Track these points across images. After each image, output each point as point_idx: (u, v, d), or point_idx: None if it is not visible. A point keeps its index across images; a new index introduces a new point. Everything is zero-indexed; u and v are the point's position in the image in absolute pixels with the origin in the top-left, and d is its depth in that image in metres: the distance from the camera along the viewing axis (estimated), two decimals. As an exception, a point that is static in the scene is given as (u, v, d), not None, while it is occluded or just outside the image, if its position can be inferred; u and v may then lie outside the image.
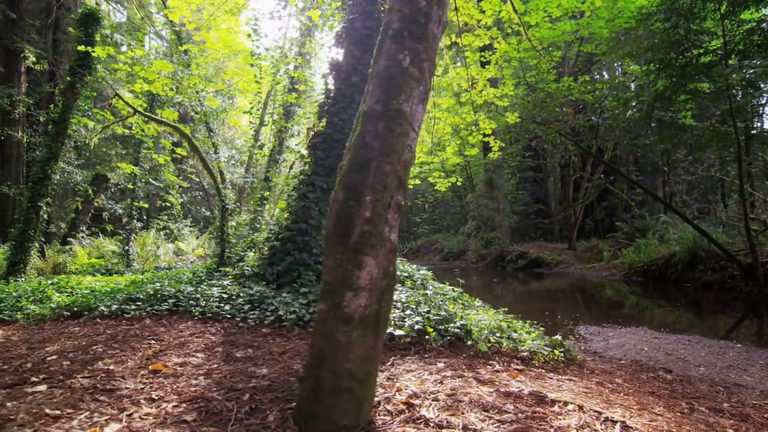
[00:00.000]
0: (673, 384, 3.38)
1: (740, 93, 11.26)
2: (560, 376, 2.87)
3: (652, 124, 12.37)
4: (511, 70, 11.11)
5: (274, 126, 11.54)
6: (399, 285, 5.17)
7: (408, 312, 3.73)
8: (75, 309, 4.42)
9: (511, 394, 2.20)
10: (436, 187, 14.50)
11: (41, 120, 12.26)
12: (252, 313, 4.23)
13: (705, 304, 7.91)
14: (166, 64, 8.37)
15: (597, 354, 4.47)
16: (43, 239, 8.23)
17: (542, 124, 12.69)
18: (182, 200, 17.54)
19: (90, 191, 11.44)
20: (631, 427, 1.87)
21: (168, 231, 15.08)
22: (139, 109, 8.05)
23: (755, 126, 13.70)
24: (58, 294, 5.22)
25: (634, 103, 11.72)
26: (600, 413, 1.99)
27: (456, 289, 5.48)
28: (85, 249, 10.36)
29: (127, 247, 10.45)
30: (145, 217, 17.15)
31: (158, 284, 5.35)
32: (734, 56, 8.18)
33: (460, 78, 9.98)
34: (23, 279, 6.74)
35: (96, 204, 12.13)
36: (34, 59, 12.02)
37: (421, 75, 2.01)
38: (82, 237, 11.20)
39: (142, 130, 8.80)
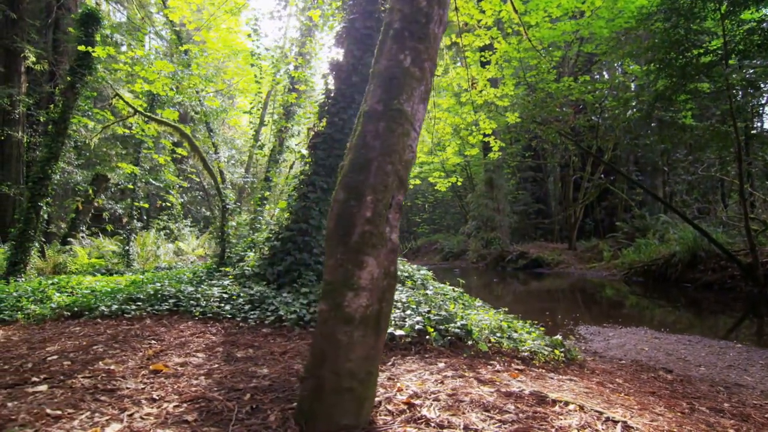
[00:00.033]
0: (673, 384, 3.38)
1: (740, 93, 11.26)
2: (561, 376, 2.87)
3: (653, 124, 12.38)
4: (512, 70, 11.11)
5: (275, 126, 11.55)
6: (399, 285, 5.17)
7: (408, 312, 3.74)
8: (75, 309, 4.42)
9: (512, 394, 2.20)
10: (436, 187, 14.50)
11: (41, 120, 12.26)
12: (252, 313, 4.23)
13: (705, 304, 7.91)
14: (167, 64, 8.37)
15: (597, 354, 4.47)
16: (43, 239, 8.23)
17: (542, 124, 12.69)
18: (182, 200, 17.54)
19: (90, 191, 11.44)
20: (633, 427, 1.87)
21: (168, 231, 15.08)
22: (140, 109, 8.05)
23: (755, 126, 13.72)
24: (58, 294, 5.22)
25: (634, 103, 11.73)
26: (601, 413, 1.99)
27: (456, 289, 5.48)
28: (86, 249, 10.36)
29: (127, 247, 10.45)
30: (145, 217, 17.14)
31: (158, 284, 5.35)
32: (734, 56, 8.19)
33: (460, 78, 9.97)
34: (23, 279, 6.74)
35: (96, 204, 12.13)
36: (34, 59, 12.02)
37: (422, 75, 2.01)
38: (82, 237, 11.20)
39: (143, 130, 8.80)
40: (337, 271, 1.83)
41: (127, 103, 7.97)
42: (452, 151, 19.59)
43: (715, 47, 8.41)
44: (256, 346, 3.25)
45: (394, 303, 3.92)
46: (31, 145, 12.42)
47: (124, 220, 11.50)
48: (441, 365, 2.76)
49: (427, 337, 3.28)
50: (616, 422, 1.90)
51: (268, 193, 11.25)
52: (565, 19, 10.59)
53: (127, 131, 9.54)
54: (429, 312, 3.72)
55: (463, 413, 1.93)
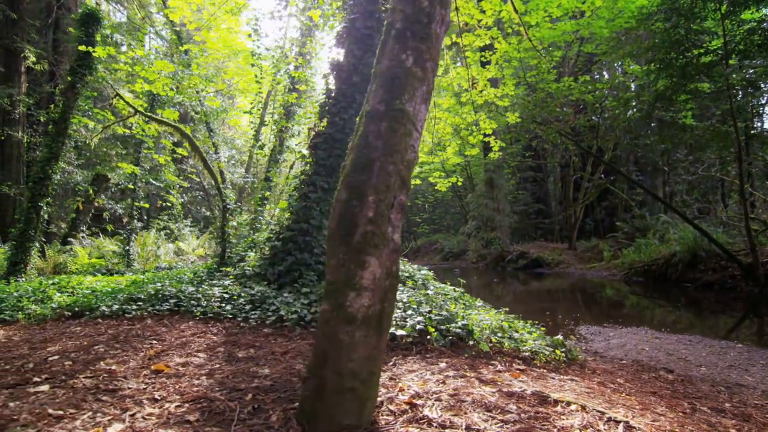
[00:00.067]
0: (674, 384, 3.38)
1: (740, 93, 11.27)
2: (562, 376, 2.87)
3: (653, 124, 12.38)
4: (512, 70, 11.11)
5: (275, 126, 11.54)
6: (400, 285, 5.17)
7: (409, 312, 3.74)
8: (76, 309, 4.42)
9: (514, 394, 2.20)
10: (436, 187, 14.49)
11: (41, 120, 12.26)
12: (253, 313, 4.23)
13: (705, 304, 7.91)
14: (167, 64, 8.37)
15: (598, 354, 4.47)
16: (43, 239, 8.23)
17: (543, 124, 12.69)
18: (182, 200, 17.55)
19: (90, 191, 11.44)
20: (634, 427, 1.87)
21: (168, 231, 15.08)
22: (140, 109, 8.05)
23: (755, 126, 13.72)
24: (59, 294, 5.22)
25: (634, 103, 11.73)
26: (603, 413, 1.99)
27: (457, 289, 5.48)
28: (86, 249, 10.36)
29: (127, 247, 10.45)
30: (145, 217, 17.14)
31: (159, 284, 5.35)
32: (735, 56, 8.19)
33: (460, 78, 9.97)
34: (24, 279, 6.74)
35: (96, 204, 12.13)
36: (34, 59, 12.02)
37: (424, 75, 2.01)
38: (83, 237, 11.20)
39: (143, 130, 8.80)
40: (339, 271, 1.83)
41: (127, 103, 7.97)
42: (452, 151, 19.59)
43: (715, 47, 8.41)
44: (257, 346, 3.25)
45: (396, 303, 3.92)
46: (32, 145, 12.42)
47: (125, 220, 11.50)
48: (442, 365, 2.76)
49: (429, 337, 3.28)
50: (618, 422, 1.90)
51: (268, 193, 11.25)
52: (565, 19, 10.59)
53: (127, 131, 9.54)
54: (430, 312, 3.72)
55: (465, 413, 1.93)
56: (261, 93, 10.95)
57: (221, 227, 7.29)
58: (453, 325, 3.46)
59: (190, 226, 16.68)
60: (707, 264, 9.50)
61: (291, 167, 14.14)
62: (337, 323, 1.80)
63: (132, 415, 1.93)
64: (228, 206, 7.40)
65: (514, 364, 3.01)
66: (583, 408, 2.04)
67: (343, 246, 1.84)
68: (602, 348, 4.77)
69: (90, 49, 7.47)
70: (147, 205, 14.66)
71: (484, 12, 7.97)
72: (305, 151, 5.91)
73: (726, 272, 9.01)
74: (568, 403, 2.09)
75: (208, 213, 20.94)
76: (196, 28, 9.76)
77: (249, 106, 11.41)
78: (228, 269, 6.13)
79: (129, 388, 2.29)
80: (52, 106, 9.75)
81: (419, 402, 2.04)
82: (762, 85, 10.91)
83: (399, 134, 1.91)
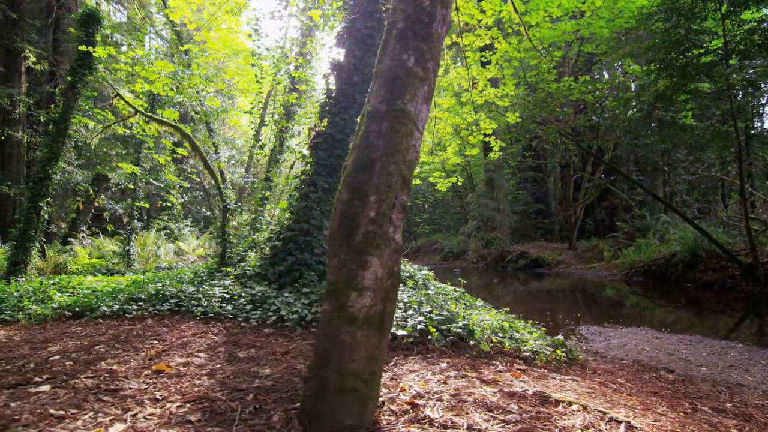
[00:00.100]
0: (675, 384, 3.38)
1: (741, 93, 11.27)
2: (563, 376, 2.88)
3: (653, 124, 12.39)
4: (512, 70, 11.11)
5: (275, 126, 11.54)
6: (401, 285, 5.17)
7: (410, 312, 3.74)
8: (77, 309, 4.42)
9: (515, 394, 2.20)
10: (436, 187, 14.49)
11: (42, 120, 12.26)
12: (254, 313, 4.22)
13: (706, 304, 7.91)
14: (167, 64, 8.37)
15: (599, 354, 4.47)
16: (43, 239, 8.23)
17: (543, 124, 12.69)
18: (183, 200, 17.54)
19: (91, 191, 11.44)
20: (636, 428, 1.87)
21: (168, 231, 15.08)
22: (140, 109, 8.05)
23: (755, 126, 13.73)
24: (59, 294, 5.21)
25: (634, 103, 11.73)
26: (604, 413, 1.99)
27: (457, 289, 5.48)
28: (86, 249, 10.36)
29: (127, 247, 10.45)
30: (145, 217, 17.14)
31: (160, 284, 5.35)
32: (735, 56, 8.19)
33: (460, 78, 9.98)
34: (24, 279, 6.73)
35: (96, 204, 12.12)
36: (34, 59, 12.01)
37: (426, 75, 2.01)
38: (83, 237, 11.20)
39: (143, 130, 8.80)
40: (341, 271, 1.83)
41: (127, 103, 7.97)
42: (453, 151, 19.60)
43: (715, 47, 8.41)
44: (258, 347, 3.25)
45: (396, 303, 3.92)
46: (32, 145, 12.42)
47: (125, 220, 11.50)
48: (443, 365, 2.76)
49: (429, 337, 3.28)
50: (619, 422, 1.90)
51: (268, 193, 11.25)
52: (565, 19, 10.59)
53: (127, 131, 9.54)
54: (431, 312, 3.72)
55: (467, 413, 1.93)
56: (261, 93, 10.95)
57: (221, 227, 7.28)
58: (454, 325, 3.46)
59: (190, 226, 16.67)
60: (707, 264, 9.50)
61: (291, 167, 14.14)
62: (338, 323, 1.80)
63: (133, 416, 1.93)
64: (228, 206, 7.40)
65: (515, 364, 3.01)
66: (585, 408, 2.04)
67: (344, 246, 1.84)
68: (603, 348, 4.77)
69: (90, 49, 7.47)
70: (147, 205, 14.66)
71: (484, 12, 7.97)
72: (306, 151, 5.91)
73: (726, 272, 9.01)
74: (570, 403, 2.09)
75: (208, 213, 20.94)
76: (196, 28, 9.76)
77: (249, 106, 11.40)
78: (228, 269, 6.13)
79: (130, 388, 2.28)
80: (52, 106, 9.75)
81: (421, 402, 2.04)
82: (762, 85, 10.91)
83: (400, 134, 1.91)
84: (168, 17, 10.21)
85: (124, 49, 12.77)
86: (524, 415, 1.93)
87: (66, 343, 3.33)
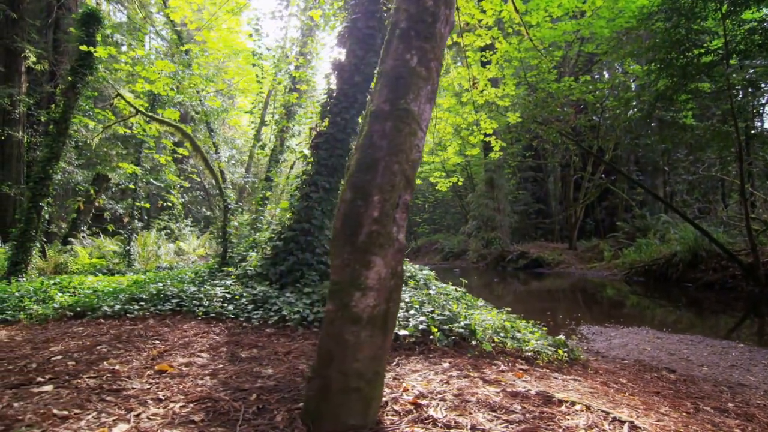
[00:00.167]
0: (677, 384, 3.38)
1: (741, 93, 11.27)
2: (565, 376, 2.88)
3: (653, 124, 12.40)
4: (512, 69, 11.11)
5: (276, 126, 11.53)
6: (402, 285, 5.17)
7: (412, 312, 3.74)
8: (78, 309, 4.42)
9: (518, 394, 2.20)
10: (436, 187, 14.48)
11: (42, 120, 12.25)
12: (256, 313, 4.22)
13: (706, 304, 7.91)
14: (167, 64, 8.36)
15: (600, 354, 4.47)
16: (44, 239, 8.23)
17: (543, 124, 12.69)
18: (183, 200, 17.54)
19: (91, 191, 11.43)
20: (639, 427, 1.87)
21: (169, 231, 15.07)
22: (141, 108, 8.04)
23: (756, 126, 13.73)
24: (60, 294, 5.21)
25: (635, 103, 11.74)
26: (607, 413, 1.99)
27: (459, 289, 5.48)
28: (87, 249, 10.36)
29: (128, 247, 10.44)
30: (146, 217, 17.13)
31: (161, 284, 5.34)
32: (735, 56, 8.19)
33: (461, 78, 9.97)
34: (25, 279, 6.73)
35: (97, 204, 12.12)
36: (34, 59, 12.01)
37: (429, 74, 2.01)
38: (83, 237, 11.19)
39: (144, 130, 8.79)
40: (344, 271, 1.83)
41: (128, 102, 7.96)
42: (453, 150, 19.58)
43: (715, 47, 8.41)
44: (260, 346, 3.25)
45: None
46: (32, 145, 12.41)
47: (125, 220, 11.49)
48: (446, 365, 2.76)
49: (431, 337, 3.28)
50: (623, 422, 1.90)
51: (269, 192, 11.25)
52: (565, 18, 10.59)
53: (128, 131, 9.54)
54: (433, 312, 3.72)
55: (470, 413, 1.93)
56: (262, 93, 10.93)
57: (222, 227, 7.28)
58: (455, 325, 3.46)
59: (191, 226, 16.67)
60: (708, 264, 9.50)
61: (291, 167, 14.14)
62: (342, 323, 1.80)
63: (137, 416, 1.93)
64: (229, 206, 7.40)
65: (517, 364, 3.01)
66: (588, 408, 2.04)
67: (348, 246, 1.84)
68: (604, 348, 4.77)
69: (91, 48, 7.46)
70: (148, 205, 14.66)
71: (484, 12, 7.97)
72: (307, 151, 5.91)
73: (727, 272, 9.01)
74: (573, 403, 2.09)
75: (208, 213, 20.93)
76: (196, 28, 9.74)
77: (249, 105, 11.41)
78: (229, 269, 6.13)
79: (133, 388, 2.28)
80: (52, 106, 9.75)
81: (424, 402, 2.04)
82: (762, 85, 10.92)
83: (404, 134, 1.91)
84: (168, 17, 10.21)
85: (124, 49, 12.77)
86: (527, 415, 1.93)
87: (68, 343, 3.33)
